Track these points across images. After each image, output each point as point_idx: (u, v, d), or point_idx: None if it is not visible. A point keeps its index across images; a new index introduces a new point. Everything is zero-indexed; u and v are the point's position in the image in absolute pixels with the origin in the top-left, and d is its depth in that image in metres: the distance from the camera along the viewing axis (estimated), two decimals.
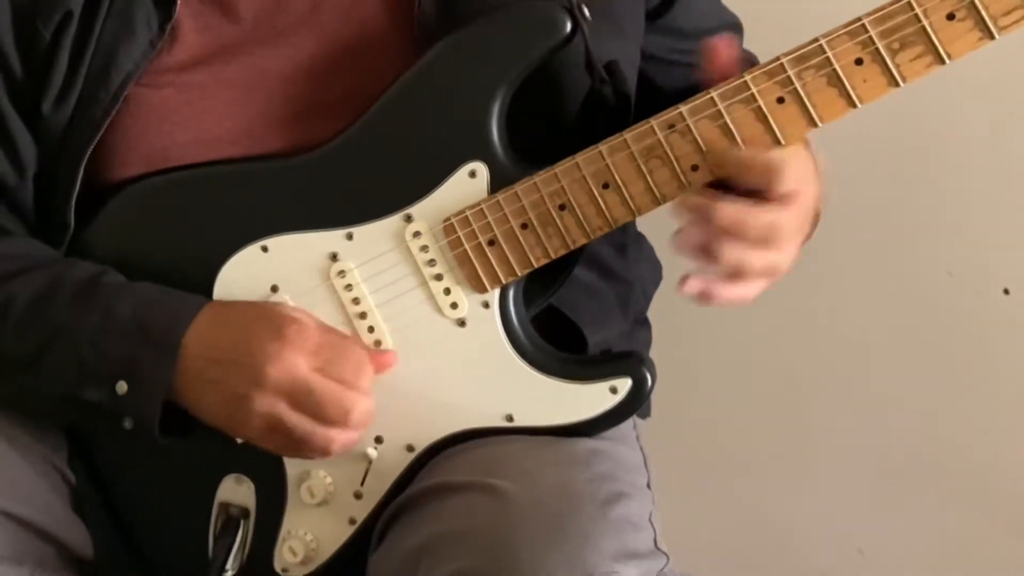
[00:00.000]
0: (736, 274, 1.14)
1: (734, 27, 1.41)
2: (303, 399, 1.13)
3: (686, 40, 1.32)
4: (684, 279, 1.14)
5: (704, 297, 1.14)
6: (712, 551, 1.78)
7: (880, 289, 1.76)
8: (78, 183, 1.20)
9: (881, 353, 1.77)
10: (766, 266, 1.14)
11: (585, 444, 1.18)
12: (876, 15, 1.07)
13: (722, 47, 1.13)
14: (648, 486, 1.21)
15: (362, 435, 1.19)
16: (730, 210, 1.11)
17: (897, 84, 1.08)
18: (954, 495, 1.78)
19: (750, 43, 1.39)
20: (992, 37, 1.06)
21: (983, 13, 1.05)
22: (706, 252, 1.12)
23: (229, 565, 1.23)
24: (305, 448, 1.15)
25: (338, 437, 1.14)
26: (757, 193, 1.12)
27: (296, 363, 1.13)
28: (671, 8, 1.31)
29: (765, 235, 1.12)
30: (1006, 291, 1.72)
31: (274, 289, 1.21)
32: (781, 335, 1.79)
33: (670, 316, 1.45)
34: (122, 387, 1.15)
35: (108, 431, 1.20)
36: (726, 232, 1.11)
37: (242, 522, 1.24)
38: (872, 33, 1.07)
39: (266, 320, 1.15)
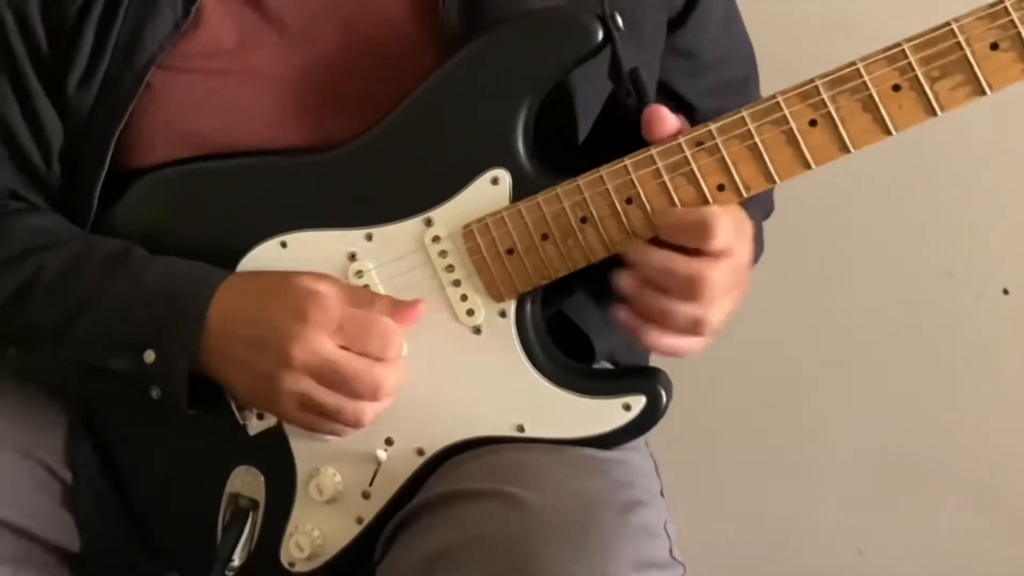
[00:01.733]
0: (659, 322, 1.10)
1: (746, 62, 1.35)
2: (331, 377, 1.09)
3: (695, 69, 1.28)
4: (615, 308, 1.11)
5: (632, 335, 1.11)
6: (711, 551, 1.74)
7: (880, 289, 1.72)
8: (105, 167, 1.18)
9: (881, 353, 1.74)
10: (689, 319, 1.09)
11: (599, 452, 1.15)
12: (917, 41, 1.02)
13: (664, 113, 1.08)
14: (661, 493, 1.19)
15: (373, 435, 1.16)
16: (657, 257, 1.08)
17: (935, 113, 1.03)
18: (954, 495, 1.76)
19: (774, 62, 1.33)
20: None
21: None
22: (634, 298, 1.10)
23: (236, 556, 1.20)
24: (337, 422, 1.12)
25: (369, 409, 1.11)
26: (690, 250, 1.09)
27: (320, 342, 1.09)
28: (687, 20, 1.25)
29: (689, 286, 1.07)
30: (1006, 291, 1.69)
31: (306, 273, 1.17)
32: (781, 336, 1.76)
33: None
34: (150, 356, 1.12)
35: (117, 413, 1.19)
36: (652, 280, 1.08)
37: (251, 514, 1.21)
38: (912, 59, 1.02)
39: (288, 297, 1.11)
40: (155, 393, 1.14)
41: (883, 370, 1.74)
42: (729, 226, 1.07)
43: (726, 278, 1.09)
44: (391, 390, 1.11)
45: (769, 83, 1.11)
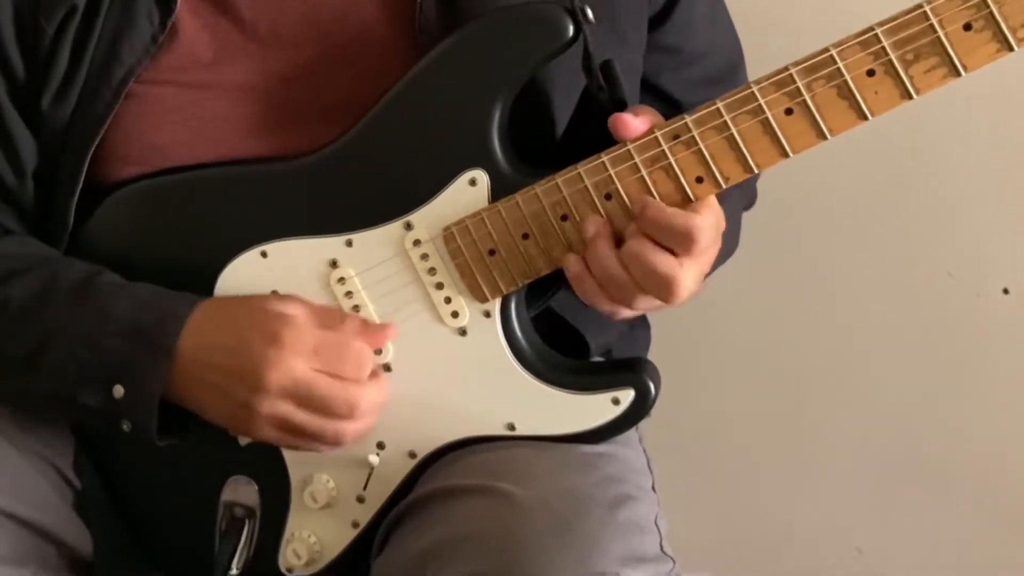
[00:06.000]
0: (609, 292, 1.07)
1: (732, 53, 1.30)
2: (308, 399, 1.06)
3: (680, 64, 1.23)
4: (567, 258, 1.07)
5: (575, 282, 1.08)
6: (711, 550, 1.71)
7: (880, 289, 1.68)
8: (80, 181, 1.14)
9: (881, 353, 1.69)
10: (640, 305, 1.07)
11: (591, 447, 1.12)
12: (890, 25, 0.97)
13: (626, 120, 1.04)
14: (653, 488, 1.15)
15: (365, 441, 1.12)
16: (640, 249, 1.04)
17: (910, 96, 0.98)
18: (954, 495, 1.71)
19: (756, 49, 1.29)
20: (1011, 49, 0.96)
21: (1002, 24, 0.95)
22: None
23: (234, 565, 1.16)
24: (317, 443, 1.09)
25: (348, 429, 1.08)
26: None
27: (295, 366, 1.06)
28: (669, 17, 1.21)
29: (661, 286, 1.04)
30: (1006, 291, 1.64)
31: (274, 295, 1.14)
32: (781, 335, 1.72)
33: (669, 316, 1.34)
34: (119, 390, 1.08)
35: (110, 432, 1.14)
36: (626, 264, 1.04)
37: (247, 522, 1.17)
38: (885, 44, 0.97)
39: (260, 322, 1.08)
40: (126, 426, 1.10)
41: (883, 369, 1.70)
42: (711, 234, 1.04)
43: (692, 285, 1.06)
44: (368, 410, 1.08)
45: (757, 72, 1.07)
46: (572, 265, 1.07)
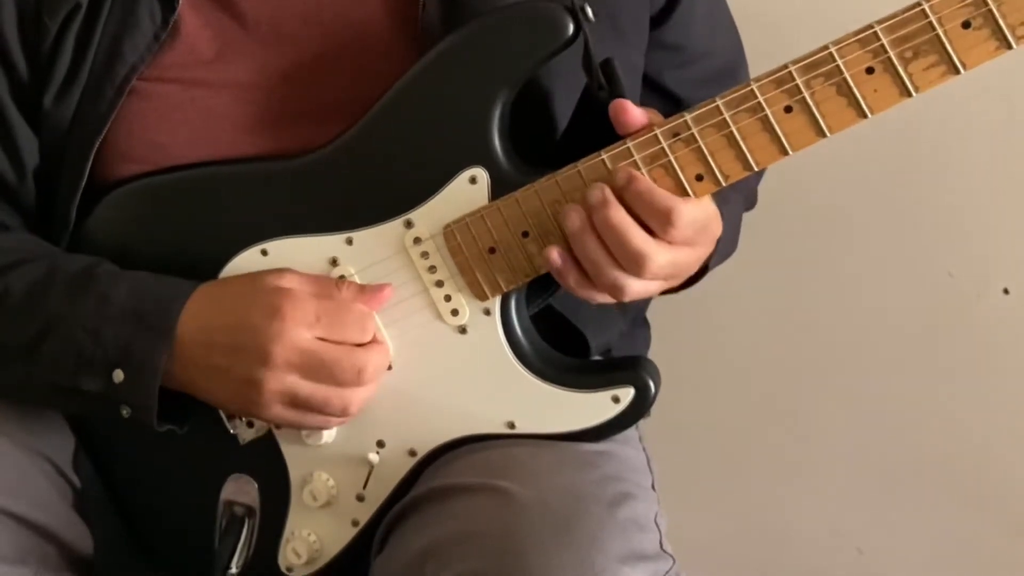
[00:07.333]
0: (589, 272, 1.07)
1: (733, 52, 1.31)
2: (315, 368, 1.07)
3: (682, 62, 1.24)
4: (549, 249, 1.07)
5: (557, 275, 1.08)
6: (711, 550, 1.72)
7: (880, 289, 1.68)
8: (84, 179, 1.14)
9: (881, 353, 1.69)
10: (618, 286, 1.06)
11: (590, 445, 1.12)
12: (888, 22, 0.98)
13: (628, 106, 1.05)
14: (652, 487, 1.16)
15: (364, 438, 1.13)
16: (617, 218, 1.03)
17: (909, 94, 0.98)
18: (954, 495, 1.70)
19: (757, 47, 1.30)
20: (1009, 47, 0.96)
21: (1000, 22, 0.95)
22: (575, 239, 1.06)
23: (234, 563, 1.16)
24: (325, 413, 1.10)
25: (355, 396, 1.09)
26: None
27: (300, 336, 1.07)
28: (670, 16, 1.21)
29: (634, 260, 1.04)
30: (1006, 291, 1.64)
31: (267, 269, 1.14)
32: (781, 335, 1.72)
33: (669, 316, 1.39)
34: (118, 375, 1.08)
35: (110, 423, 1.14)
36: (602, 236, 1.04)
37: (247, 521, 1.17)
38: (884, 41, 0.98)
39: (258, 298, 1.09)
40: (125, 412, 1.10)
41: (883, 370, 1.70)
42: (693, 223, 1.05)
43: (667, 268, 1.06)
44: (374, 373, 1.09)
45: (757, 71, 1.08)
46: (555, 258, 1.06)
